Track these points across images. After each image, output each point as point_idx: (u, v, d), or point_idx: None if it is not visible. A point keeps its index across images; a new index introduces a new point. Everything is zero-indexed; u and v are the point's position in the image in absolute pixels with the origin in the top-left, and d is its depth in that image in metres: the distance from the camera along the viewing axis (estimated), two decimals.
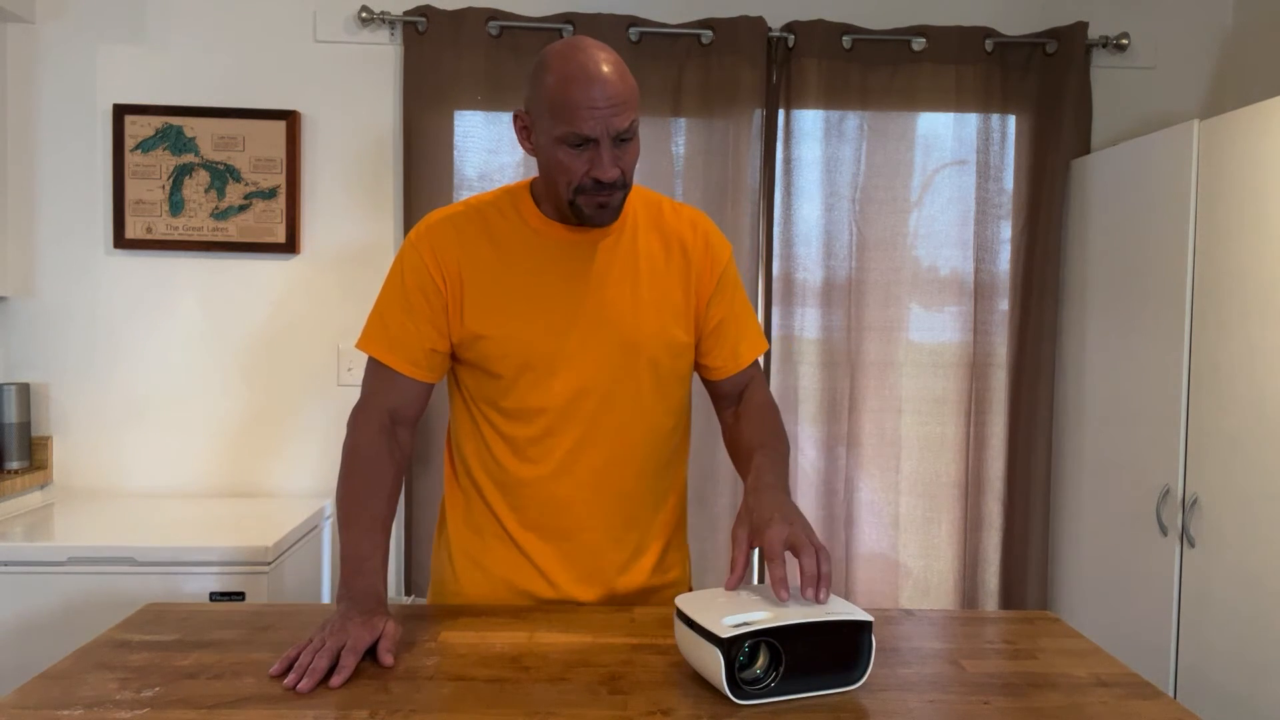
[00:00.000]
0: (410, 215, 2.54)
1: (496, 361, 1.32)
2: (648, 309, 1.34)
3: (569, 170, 1.23)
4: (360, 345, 1.34)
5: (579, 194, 1.24)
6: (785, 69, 2.61)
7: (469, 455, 1.39)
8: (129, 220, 2.53)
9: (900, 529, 2.71)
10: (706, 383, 1.45)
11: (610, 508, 1.36)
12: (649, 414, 1.37)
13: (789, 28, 2.59)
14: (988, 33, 2.61)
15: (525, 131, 1.29)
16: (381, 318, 1.33)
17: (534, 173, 2.68)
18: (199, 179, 2.53)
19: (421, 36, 2.53)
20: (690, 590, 1.49)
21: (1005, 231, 2.67)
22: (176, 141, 2.53)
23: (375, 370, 1.33)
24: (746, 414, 1.40)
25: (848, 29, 2.58)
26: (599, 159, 1.21)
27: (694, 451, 2.60)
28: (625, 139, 1.23)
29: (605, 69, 1.19)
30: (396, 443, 1.32)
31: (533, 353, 1.31)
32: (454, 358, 1.37)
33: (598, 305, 1.32)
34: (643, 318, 1.33)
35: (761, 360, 1.48)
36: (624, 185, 1.25)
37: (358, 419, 1.32)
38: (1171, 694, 2.13)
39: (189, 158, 2.53)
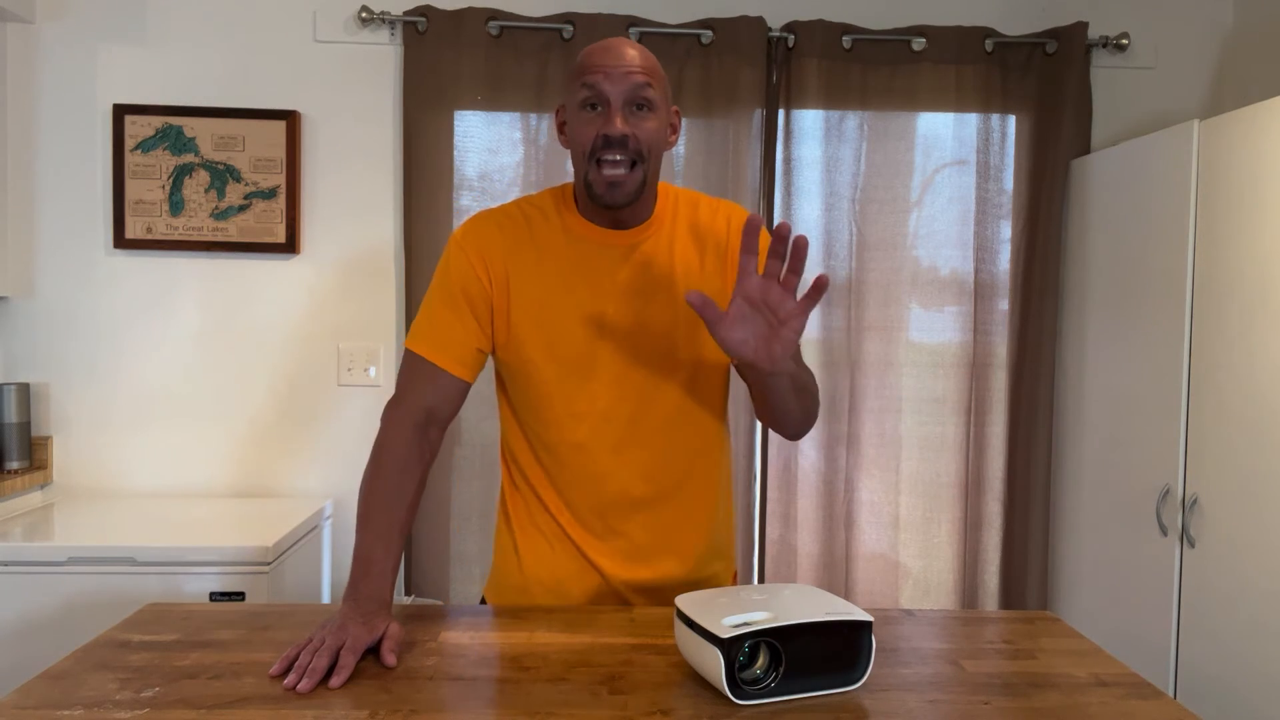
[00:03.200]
0: (410, 215, 2.55)
1: (535, 366, 1.33)
2: (683, 312, 1.33)
3: (584, 137, 1.25)
4: (409, 344, 1.34)
5: (592, 164, 1.25)
6: (785, 69, 2.61)
7: (523, 456, 1.40)
8: (129, 220, 2.53)
9: (900, 529, 2.71)
10: (740, 370, 1.41)
11: (654, 510, 1.37)
12: (689, 417, 1.37)
13: (789, 28, 2.59)
14: (988, 33, 2.61)
15: (562, 126, 1.33)
16: (429, 315, 1.34)
17: (535, 173, 2.69)
18: (199, 179, 2.53)
19: (421, 36, 2.53)
20: (735, 577, 1.52)
21: (1005, 231, 2.67)
22: (176, 141, 2.53)
23: (416, 366, 1.33)
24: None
25: (848, 29, 2.59)
26: (609, 117, 1.23)
27: None
28: (640, 107, 1.25)
29: (625, 44, 1.27)
30: (427, 443, 1.32)
31: (569, 358, 1.32)
32: (496, 361, 1.38)
33: (634, 310, 1.32)
34: (679, 322, 1.33)
35: None
36: (638, 155, 1.25)
37: (393, 415, 1.31)
38: (1171, 694, 2.13)
39: (189, 158, 2.53)
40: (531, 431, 1.38)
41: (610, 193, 1.25)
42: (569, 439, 1.35)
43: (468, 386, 1.35)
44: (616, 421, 1.34)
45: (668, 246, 1.35)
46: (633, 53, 1.26)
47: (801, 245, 1.01)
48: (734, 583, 1.52)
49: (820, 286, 1.03)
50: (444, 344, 1.32)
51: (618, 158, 1.24)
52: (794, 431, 1.35)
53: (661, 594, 1.40)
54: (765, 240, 1.38)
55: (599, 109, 1.25)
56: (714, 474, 1.44)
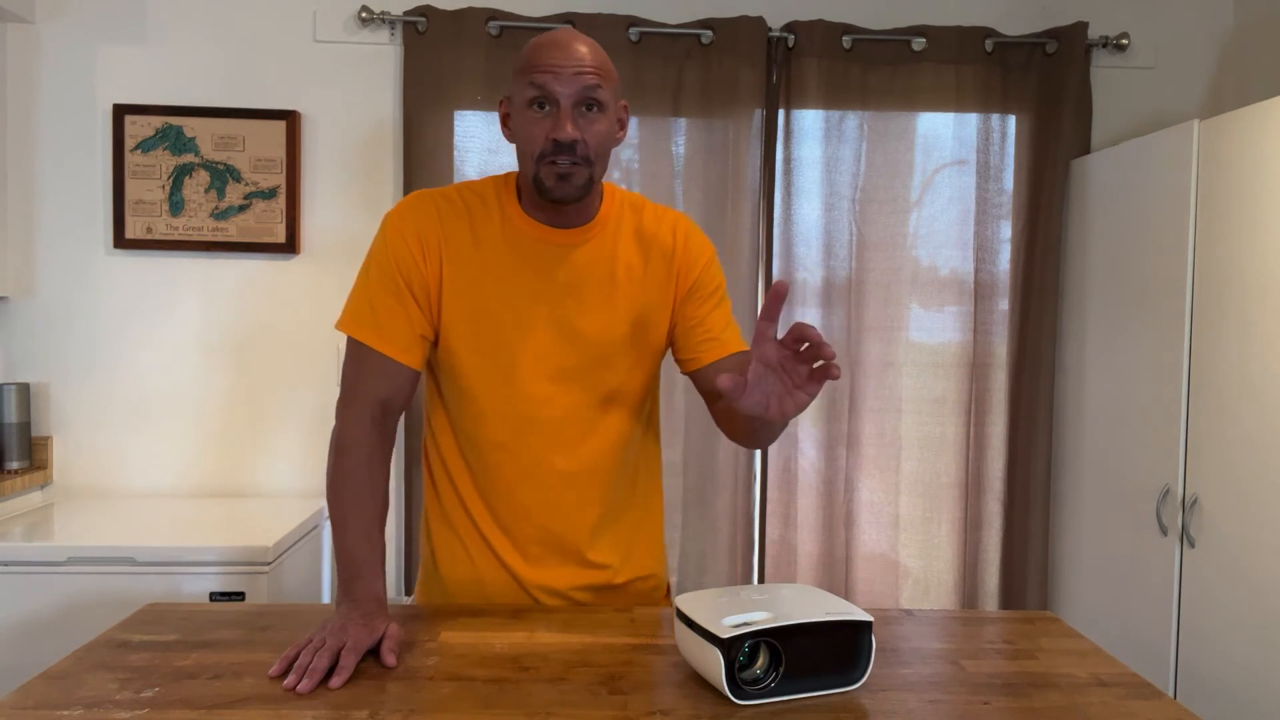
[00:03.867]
0: None
1: (460, 359, 1.31)
2: (621, 317, 1.32)
3: (532, 137, 1.22)
4: (345, 328, 1.29)
5: (541, 162, 1.22)
6: (785, 69, 2.61)
7: (445, 452, 1.38)
8: (129, 220, 2.53)
9: (900, 529, 2.71)
10: (695, 377, 1.38)
11: (577, 512, 1.36)
12: (616, 420, 1.35)
13: (789, 28, 2.59)
14: (988, 33, 2.61)
15: (505, 118, 1.31)
16: (369, 301, 1.28)
17: None
18: (199, 179, 2.53)
19: (421, 36, 2.53)
20: (669, 589, 1.50)
21: (1005, 231, 2.67)
22: (176, 141, 2.53)
23: (363, 357, 1.28)
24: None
25: (848, 29, 2.58)
26: (559, 119, 1.21)
27: (694, 452, 2.60)
28: (590, 107, 1.22)
29: (575, 40, 1.23)
30: (385, 436, 1.29)
31: (497, 354, 1.30)
32: (431, 350, 1.36)
33: (570, 310, 1.30)
34: (615, 325, 1.32)
35: None
36: (586, 159, 1.22)
37: (348, 413, 1.27)
38: (1171, 694, 2.13)
39: (189, 158, 2.53)
40: (459, 428, 1.35)
41: (560, 186, 1.22)
42: (491, 437, 1.33)
43: (419, 375, 1.32)
44: (540, 423, 1.32)
45: (610, 250, 1.32)
46: (583, 49, 1.22)
47: (829, 355, 1.00)
48: (668, 594, 1.49)
49: (832, 376, 1.00)
50: (390, 333, 1.27)
51: (567, 162, 1.21)
52: (758, 447, 1.34)
53: (574, 598, 1.38)
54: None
55: (547, 109, 1.22)
56: (638, 482, 1.42)
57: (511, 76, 1.27)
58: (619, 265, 1.32)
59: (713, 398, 1.37)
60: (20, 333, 2.55)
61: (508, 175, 1.35)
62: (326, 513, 2.52)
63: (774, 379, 1.05)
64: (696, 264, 1.36)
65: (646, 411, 1.42)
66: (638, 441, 1.41)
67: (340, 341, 2.61)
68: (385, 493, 1.28)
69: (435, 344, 1.33)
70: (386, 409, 1.29)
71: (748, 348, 1.36)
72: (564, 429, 1.33)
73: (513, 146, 1.33)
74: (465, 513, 1.38)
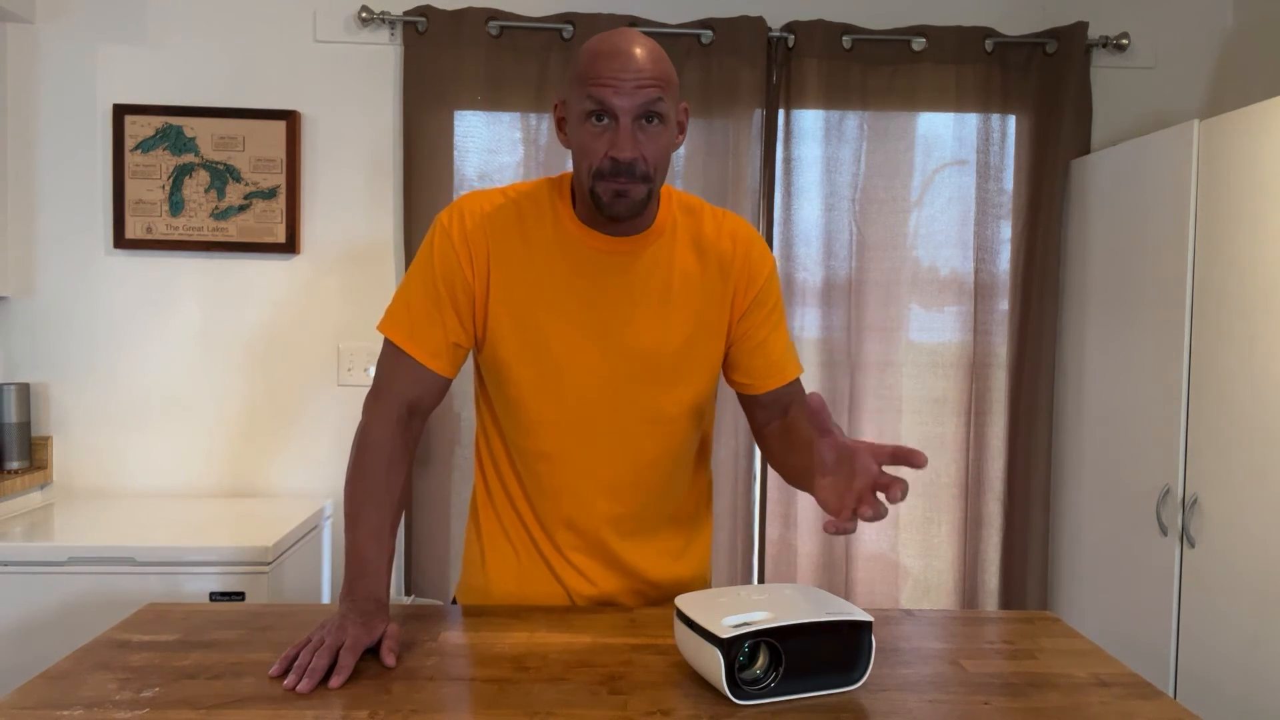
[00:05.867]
0: (410, 215, 2.54)
1: (509, 367, 1.28)
2: (675, 330, 1.29)
3: (590, 151, 1.18)
4: (382, 328, 1.29)
5: (598, 179, 1.18)
6: (785, 69, 2.61)
7: (495, 457, 1.37)
8: (129, 220, 2.53)
9: (900, 529, 2.71)
10: (741, 397, 1.39)
11: (626, 521, 1.34)
12: (669, 433, 1.33)
13: (789, 28, 2.59)
14: (988, 33, 2.61)
15: (560, 122, 1.27)
16: (407, 303, 1.28)
17: (535, 173, 2.69)
18: (199, 179, 2.53)
19: (421, 36, 2.53)
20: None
21: (1005, 231, 2.67)
22: (176, 141, 2.53)
23: (395, 357, 1.28)
24: (797, 418, 1.33)
25: (848, 29, 2.58)
26: (617, 136, 1.16)
27: None
28: (650, 120, 1.18)
29: (636, 47, 1.17)
30: (410, 436, 1.29)
31: (547, 362, 1.27)
32: (474, 357, 1.35)
33: (623, 320, 1.27)
34: (670, 336, 1.28)
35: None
36: (645, 176, 1.18)
37: (374, 409, 1.28)
38: (1171, 694, 2.13)
39: (189, 158, 2.53)
40: (505, 434, 1.34)
41: (617, 203, 1.19)
42: (539, 447, 1.31)
43: (449, 381, 1.31)
44: (590, 434, 1.29)
45: (667, 259, 1.29)
46: (641, 55, 1.17)
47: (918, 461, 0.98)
48: None
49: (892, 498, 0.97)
50: (423, 338, 1.27)
51: (625, 182, 1.18)
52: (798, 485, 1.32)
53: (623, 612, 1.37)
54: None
55: (605, 122, 1.17)
56: (687, 497, 1.40)
57: (567, 79, 1.23)
58: (675, 275, 1.29)
59: (762, 424, 1.37)
60: (20, 333, 2.55)
61: (562, 176, 1.32)
62: (326, 513, 2.52)
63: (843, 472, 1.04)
64: (758, 279, 1.32)
65: (700, 427, 1.38)
66: (688, 457, 1.38)
67: (340, 342, 2.61)
68: (402, 495, 1.27)
69: (481, 349, 1.31)
70: (413, 410, 1.29)
71: (803, 370, 1.39)
72: (611, 441, 1.30)
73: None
74: (516, 517, 1.36)
